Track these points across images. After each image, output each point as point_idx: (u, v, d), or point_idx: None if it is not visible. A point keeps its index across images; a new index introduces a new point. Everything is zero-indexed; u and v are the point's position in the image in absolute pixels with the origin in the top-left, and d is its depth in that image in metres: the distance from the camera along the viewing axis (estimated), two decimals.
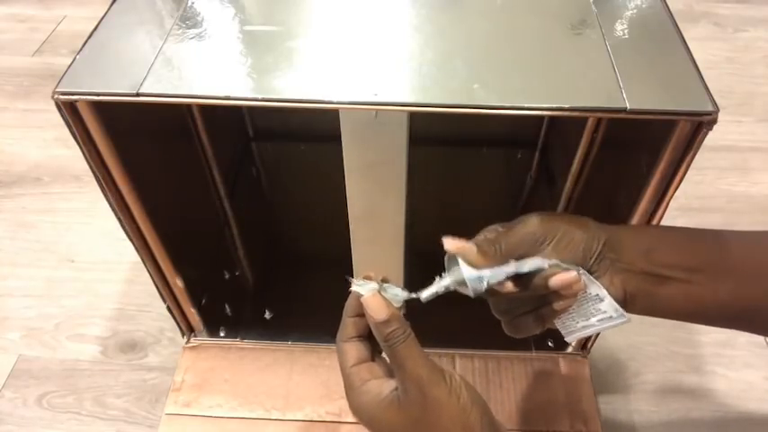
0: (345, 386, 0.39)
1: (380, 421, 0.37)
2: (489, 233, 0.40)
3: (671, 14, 0.49)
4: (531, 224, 0.39)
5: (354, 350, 0.39)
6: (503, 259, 0.39)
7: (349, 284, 0.39)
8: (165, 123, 0.62)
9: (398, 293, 0.39)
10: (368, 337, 0.40)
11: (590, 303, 0.41)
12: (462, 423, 0.36)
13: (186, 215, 0.67)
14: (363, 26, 0.48)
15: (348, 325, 0.40)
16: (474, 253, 0.38)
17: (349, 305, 0.40)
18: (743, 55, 1.20)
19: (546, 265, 0.38)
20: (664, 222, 0.51)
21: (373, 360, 0.40)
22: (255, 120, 0.89)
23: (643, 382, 0.73)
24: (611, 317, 0.40)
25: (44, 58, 1.21)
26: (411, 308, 0.68)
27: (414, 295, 0.40)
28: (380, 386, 0.38)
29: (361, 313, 0.39)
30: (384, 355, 0.39)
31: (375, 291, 0.38)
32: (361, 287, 0.38)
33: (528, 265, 0.39)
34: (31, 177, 0.98)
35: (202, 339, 0.72)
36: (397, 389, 0.37)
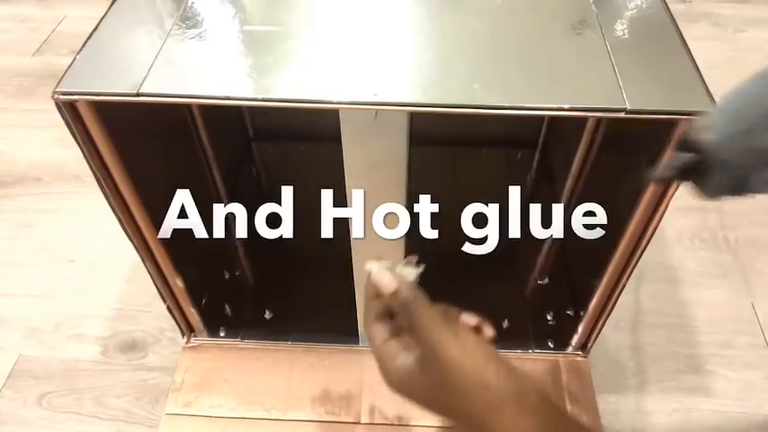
0: (379, 367, 0.41)
1: (413, 390, 0.39)
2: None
3: (671, 14, 0.49)
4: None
5: (380, 331, 0.41)
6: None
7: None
8: (165, 123, 0.62)
9: (410, 272, 0.41)
10: (391, 315, 0.42)
11: None
12: (478, 380, 0.37)
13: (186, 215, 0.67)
14: (363, 26, 0.48)
15: (370, 308, 0.41)
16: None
17: (368, 288, 0.41)
18: (743, 55, 1.20)
19: None
20: (664, 221, 0.51)
21: (399, 335, 0.41)
22: (255, 120, 0.89)
23: (643, 382, 0.73)
24: None
25: (44, 58, 1.21)
26: None
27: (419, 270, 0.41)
28: (407, 359, 0.39)
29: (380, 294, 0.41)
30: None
31: (385, 267, 0.40)
32: (374, 265, 0.41)
33: None
34: (31, 177, 0.98)
35: (202, 339, 0.72)
36: (409, 365, 0.39)
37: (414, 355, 0.39)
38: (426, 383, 0.38)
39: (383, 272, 0.40)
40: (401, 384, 0.39)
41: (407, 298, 0.39)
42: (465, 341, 0.38)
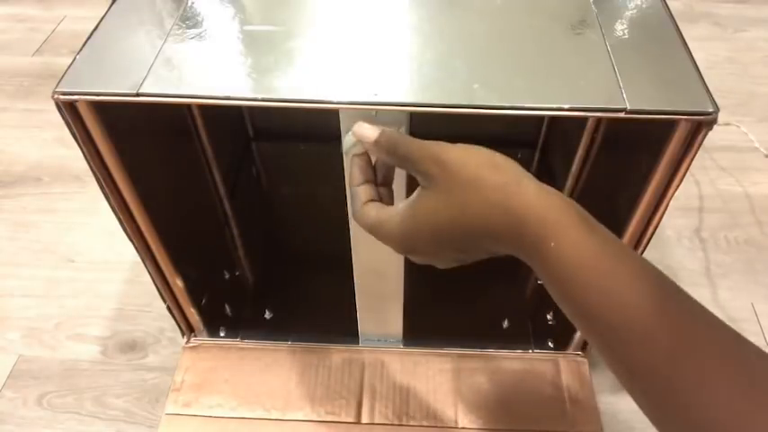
0: (374, 231, 0.40)
1: (420, 232, 0.37)
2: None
3: (671, 14, 0.49)
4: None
5: (364, 192, 0.41)
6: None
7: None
8: (165, 123, 0.62)
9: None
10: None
11: None
12: (486, 161, 0.35)
13: (186, 215, 0.67)
14: (363, 26, 0.48)
15: (358, 195, 0.41)
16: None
17: (353, 176, 0.41)
18: (743, 55, 1.20)
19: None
20: (664, 221, 0.51)
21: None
22: (255, 120, 0.89)
23: None
24: None
25: (44, 58, 1.21)
26: (411, 308, 0.68)
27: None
28: (397, 206, 0.38)
29: (367, 178, 0.41)
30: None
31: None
32: (355, 128, 0.41)
33: None
34: (31, 177, 0.98)
35: (202, 339, 0.72)
36: (410, 198, 0.38)
37: (404, 202, 0.38)
38: (434, 205, 0.36)
39: (359, 124, 0.40)
40: (404, 233, 0.37)
41: (390, 134, 0.38)
42: (462, 145, 0.37)
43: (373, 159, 0.42)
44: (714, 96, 0.41)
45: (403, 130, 0.44)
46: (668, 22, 0.48)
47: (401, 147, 0.38)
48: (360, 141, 0.40)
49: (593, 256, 0.32)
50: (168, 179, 0.62)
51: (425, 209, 0.36)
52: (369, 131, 0.39)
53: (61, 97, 0.42)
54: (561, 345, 0.70)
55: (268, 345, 0.72)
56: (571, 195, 0.73)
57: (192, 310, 0.68)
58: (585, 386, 0.68)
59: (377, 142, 0.39)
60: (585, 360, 0.70)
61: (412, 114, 0.47)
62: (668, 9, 0.49)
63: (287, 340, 0.72)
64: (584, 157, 0.67)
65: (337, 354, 0.71)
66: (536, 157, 0.88)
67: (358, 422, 0.65)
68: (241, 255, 0.82)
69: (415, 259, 0.39)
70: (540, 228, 0.33)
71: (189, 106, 0.66)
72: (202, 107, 0.67)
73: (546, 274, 0.33)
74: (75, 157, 0.47)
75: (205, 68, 0.44)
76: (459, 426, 0.65)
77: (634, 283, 0.31)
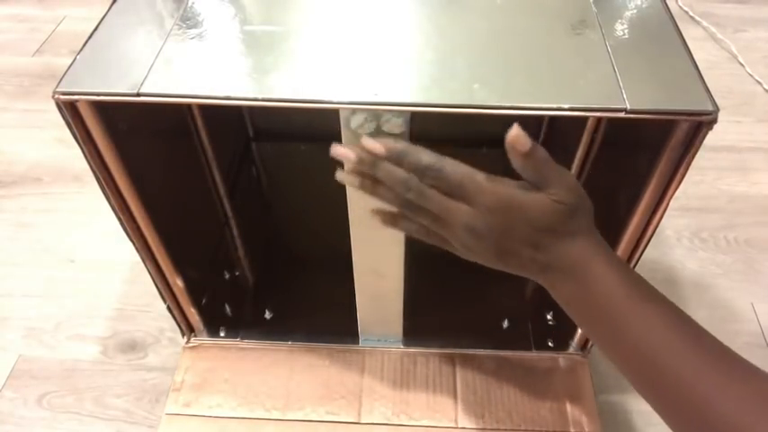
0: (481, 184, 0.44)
1: (526, 212, 0.44)
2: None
3: (671, 14, 0.49)
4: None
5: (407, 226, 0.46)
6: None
7: None
8: (165, 123, 0.62)
9: (395, 122, 0.45)
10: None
11: None
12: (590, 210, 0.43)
13: (186, 215, 0.67)
14: (363, 26, 0.48)
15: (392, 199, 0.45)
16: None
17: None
18: (743, 55, 1.20)
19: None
20: (664, 221, 0.51)
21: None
22: (255, 120, 0.89)
23: None
24: None
25: (44, 58, 1.21)
26: (411, 308, 0.68)
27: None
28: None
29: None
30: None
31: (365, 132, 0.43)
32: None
33: None
34: (31, 177, 0.98)
35: (202, 339, 0.72)
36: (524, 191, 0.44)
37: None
38: (551, 210, 0.41)
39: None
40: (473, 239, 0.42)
41: (544, 156, 0.40)
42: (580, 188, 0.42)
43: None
44: (714, 96, 0.41)
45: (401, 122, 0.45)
46: (668, 22, 0.48)
47: (549, 166, 0.41)
48: (513, 149, 0.40)
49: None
50: (168, 179, 0.62)
51: (542, 202, 0.42)
52: (525, 141, 0.39)
53: (61, 97, 0.42)
54: (561, 345, 0.70)
55: (268, 345, 0.72)
56: None
57: (192, 310, 0.68)
58: (585, 386, 0.68)
59: (529, 155, 0.40)
60: (585, 360, 0.70)
61: (412, 114, 0.47)
62: (668, 9, 0.49)
63: (287, 340, 0.72)
64: (584, 156, 0.67)
65: (337, 354, 0.71)
66: None
67: (358, 422, 0.65)
68: (241, 255, 0.82)
69: (478, 230, 0.42)
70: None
71: (189, 106, 0.66)
72: (202, 107, 0.67)
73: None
74: (75, 157, 0.47)
75: (205, 68, 0.44)
76: (459, 426, 0.65)
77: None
